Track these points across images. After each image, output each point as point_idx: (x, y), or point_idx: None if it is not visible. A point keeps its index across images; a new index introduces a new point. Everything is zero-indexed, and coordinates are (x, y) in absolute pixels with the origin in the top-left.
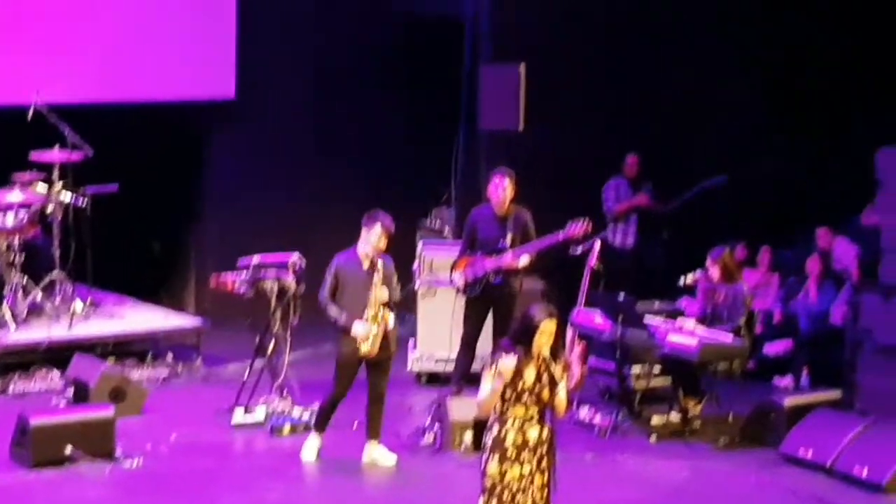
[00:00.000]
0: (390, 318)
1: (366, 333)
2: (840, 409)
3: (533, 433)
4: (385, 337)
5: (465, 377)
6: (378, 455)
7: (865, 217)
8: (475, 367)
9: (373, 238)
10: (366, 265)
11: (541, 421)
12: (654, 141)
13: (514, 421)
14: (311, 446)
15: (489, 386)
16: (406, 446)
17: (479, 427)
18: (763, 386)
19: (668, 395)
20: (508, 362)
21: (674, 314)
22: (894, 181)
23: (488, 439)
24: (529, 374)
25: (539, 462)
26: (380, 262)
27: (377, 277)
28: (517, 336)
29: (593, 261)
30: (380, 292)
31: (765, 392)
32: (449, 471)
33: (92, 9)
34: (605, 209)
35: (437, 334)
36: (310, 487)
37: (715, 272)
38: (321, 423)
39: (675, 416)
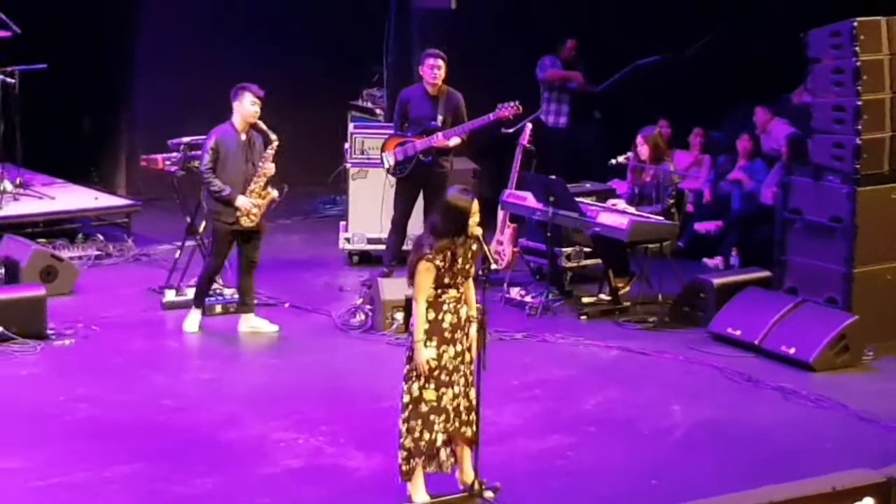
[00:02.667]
0: (274, 193)
1: (250, 207)
2: (769, 289)
3: (463, 311)
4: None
5: (396, 257)
6: (258, 323)
7: (797, 96)
8: (406, 246)
9: (248, 107)
10: (242, 138)
11: (465, 298)
12: (590, 24)
13: (449, 304)
14: (193, 320)
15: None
16: (337, 326)
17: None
18: (693, 266)
19: (599, 275)
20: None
21: (605, 195)
22: (825, 61)
23: (421, 325)
24: (463, 257)
25: (467, 338)
26: (255, 137)
27: (269, 152)
28: (448, 228)
29: (525, 140)
30: (269, 167)
31: (695, 272)
32: (380, 350)
33: None
34: (538, 77)
35: (368, 215)
36: (242, 366)
37: (644, 151)
38: (201, 298)
39: (605, 296)
